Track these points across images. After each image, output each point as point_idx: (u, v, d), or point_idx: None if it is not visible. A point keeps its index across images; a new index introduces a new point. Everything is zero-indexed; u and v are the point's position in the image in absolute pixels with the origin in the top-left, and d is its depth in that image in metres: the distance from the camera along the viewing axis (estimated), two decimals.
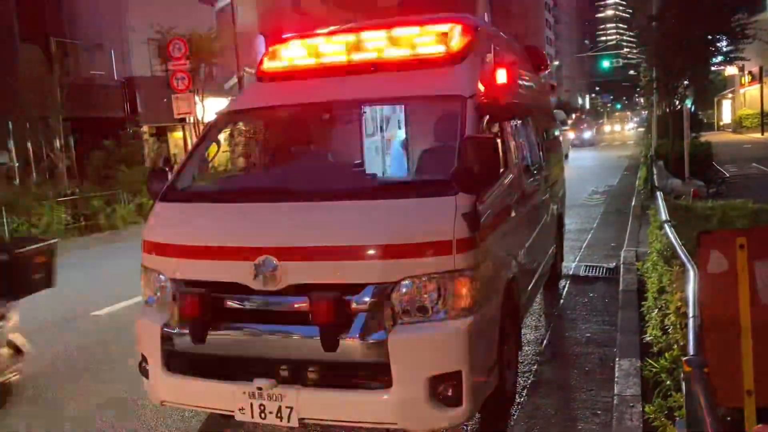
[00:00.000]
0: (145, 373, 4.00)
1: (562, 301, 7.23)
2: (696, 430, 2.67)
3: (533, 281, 5.52)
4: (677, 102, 17.85)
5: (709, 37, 16.40)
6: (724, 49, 18.03)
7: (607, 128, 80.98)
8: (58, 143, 17.37)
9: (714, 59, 18.45)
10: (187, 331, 3.69)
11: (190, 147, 4.53)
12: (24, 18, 18.43)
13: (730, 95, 48.23)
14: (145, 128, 22.06)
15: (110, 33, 21.07)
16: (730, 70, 37.39)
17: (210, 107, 19.14)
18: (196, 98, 19.22)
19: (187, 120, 19.78)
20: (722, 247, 2.97)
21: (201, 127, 17.58)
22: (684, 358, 2.91)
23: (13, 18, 18.23)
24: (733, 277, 2.93)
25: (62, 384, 5.54)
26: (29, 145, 17.89)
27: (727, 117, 49.95)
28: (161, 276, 3.92)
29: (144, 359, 3.99)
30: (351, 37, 4.84)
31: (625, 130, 78.00)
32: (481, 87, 4.41)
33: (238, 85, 22.14)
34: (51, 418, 4.89)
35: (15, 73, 16.51)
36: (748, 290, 2.91)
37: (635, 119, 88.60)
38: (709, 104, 45.89)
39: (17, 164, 18.01)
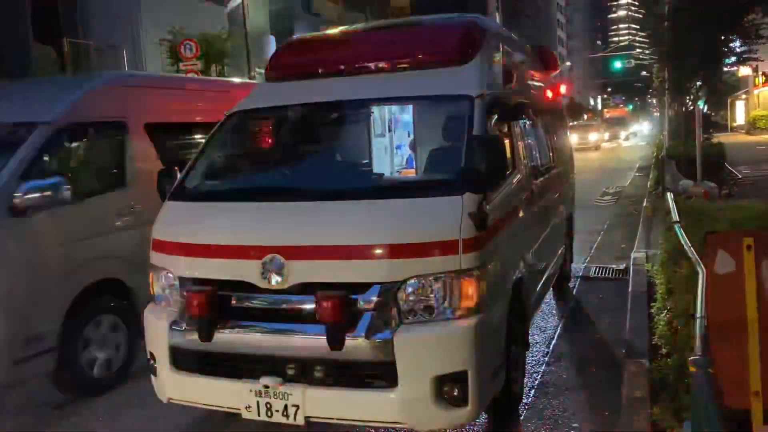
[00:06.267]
0: (153, 370, 4.03)
1: (571, 302, 7.20)
2: (702, 430, 2.66)
3: (542, 282, 5.50)
4: (689, 103, 17.76)
5: (722, 37, 16.27)
6: (738, 50, 17.89)
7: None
8: None
9: (727, 60, 18.30)
10: (194, 329, 3.72)
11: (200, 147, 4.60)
12: (38, 18, 18.59)
13: (743, 96, 47.79)
14: None
15: (123, 33, 21.18)
16: (744, 71, 37.10)
17: None
18: None
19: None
20: (729, 248, 2.95)
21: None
22: (690, 359, 2.90)
23: (27, 18, 18.40)
24: (740, 277, 2.92)
25: None
26: None
27: (740, 118, 49.50)
28: (169, 274, 3.95)
29: (152, 357, 4.02)
30: (360, 37, 4.86)
31: (622, 141, 47.27)
32: (489, 87, 4.42)
33: None
34: None
35: (29, 73, 16.66)
36: (755, 291, 2.89)
37: (646, 121, 69.35)
38: (722, 105, 45.50)
39: None
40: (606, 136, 44.91)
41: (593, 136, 39.42)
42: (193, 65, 18.45)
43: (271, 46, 25.88)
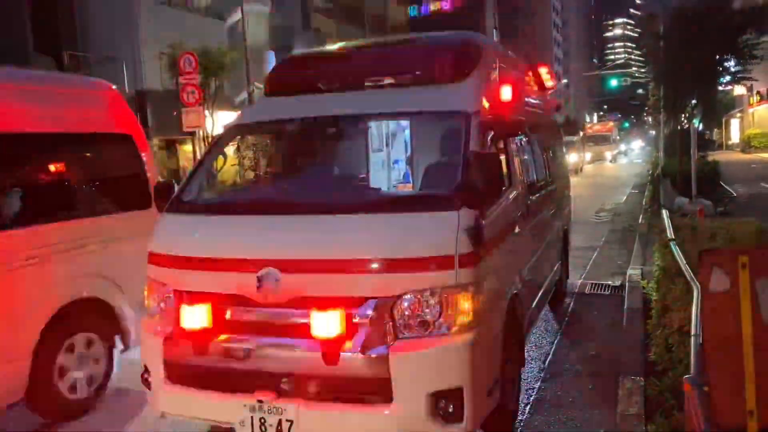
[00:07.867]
0: (147, 384, 4.01)
1: (566, 318, 7.19)
2: None
3: (537, 298, 5.50)
4: (685, 121, 17.86)
5: (717, 56, 16.40)
6: (732, 69, 18.01)
7: None
8: None
9: (722, 79, 18.42)
10: (189, 343, 3.71)
11: (198, 160, 4.59)
12: (38, 30, 18.68)
13: (738, 115, 48.15)
14: (155, 140, 22.21)
15: (122, 46, 21.31)
16: (739, 90, 37.32)
17: (220, 121, 19.29)
18: (206, 112, 19.36)
19: (197, 133, 19.91)
20: (724, 266, 2.96)
21: (210, 141, 17.71)
22: (684, 377, 2.90)
23: (27, 29, 18.48)
24: (735, 296, 2.92)
25: None
26: None
27: (735, 136, 49.82)
28: (165, 287, 3.94)
29: (146, 370, 4.00)
30: (358, 53, 4.89)
31: (608, 163, 41.74)
32: (486, 103, 4.44)
33: (249, 100, 22.31)
34: None
35: None
36: (750, 309, 2.89)
37: (638, 139, 65.73)
38: (717, 124, 45.74)
39: None
40: (588, 157, 39.18)
41: (572, 158, 30.73)
42: (193, 79, 18.51)
43: (271, 61, 26.03)
